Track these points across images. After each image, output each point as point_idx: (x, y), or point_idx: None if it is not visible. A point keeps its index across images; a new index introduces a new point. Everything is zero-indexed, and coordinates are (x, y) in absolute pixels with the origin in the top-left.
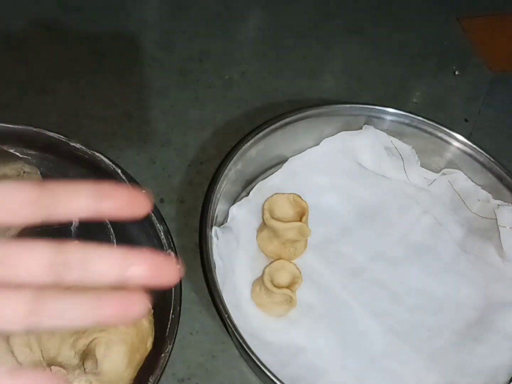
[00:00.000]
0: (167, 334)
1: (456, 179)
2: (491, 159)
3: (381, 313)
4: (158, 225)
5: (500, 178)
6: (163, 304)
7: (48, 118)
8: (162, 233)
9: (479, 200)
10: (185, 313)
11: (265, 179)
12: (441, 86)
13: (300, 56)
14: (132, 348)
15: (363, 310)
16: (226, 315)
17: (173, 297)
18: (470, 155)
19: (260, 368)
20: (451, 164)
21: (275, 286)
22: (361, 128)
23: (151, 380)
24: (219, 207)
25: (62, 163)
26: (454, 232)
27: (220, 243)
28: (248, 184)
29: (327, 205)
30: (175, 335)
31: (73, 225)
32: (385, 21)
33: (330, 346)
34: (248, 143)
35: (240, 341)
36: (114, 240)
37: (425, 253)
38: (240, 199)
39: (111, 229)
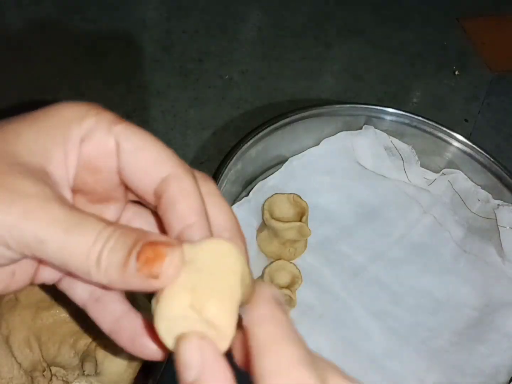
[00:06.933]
0: None
1: (456, 179)
2: (491, 159)
3: (381, 313)
4: None
5: (500, 178)
6: None
7: None
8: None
9: (479, 200)
10: None
11: (265, 179)
12: (441, 86)
13: (300, 56)
14: None
15: (363, 310)
16: None
17: None
18: (470, 155)
19: None
20: (451, 164)
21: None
22: (361, 128)
23: (151, 381)
24: None
25: None
26: (454, 232)
27: None
28: (248, 184)
29: (327, 205)
30: None
31: None
32: (385, 21)
33: (330, 346)
34: (248, 143)
35: None
36: None
37: (425, 253)
38: (240, 199)
39: None
